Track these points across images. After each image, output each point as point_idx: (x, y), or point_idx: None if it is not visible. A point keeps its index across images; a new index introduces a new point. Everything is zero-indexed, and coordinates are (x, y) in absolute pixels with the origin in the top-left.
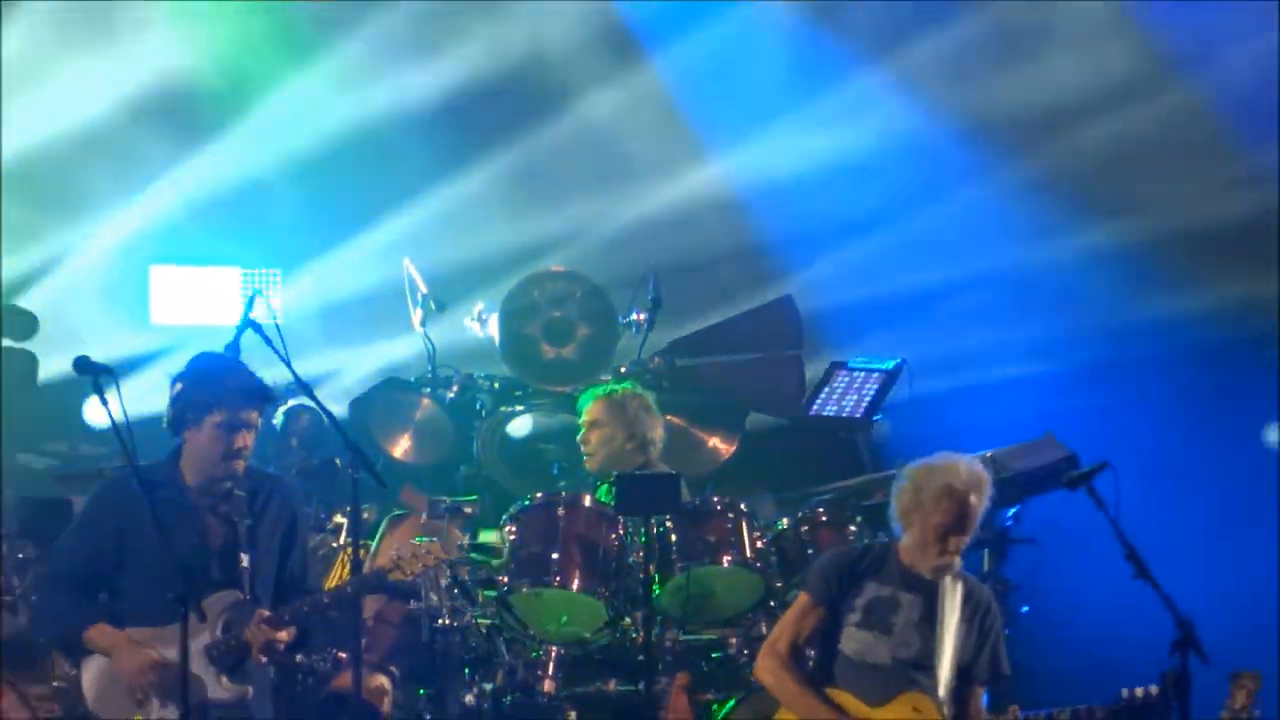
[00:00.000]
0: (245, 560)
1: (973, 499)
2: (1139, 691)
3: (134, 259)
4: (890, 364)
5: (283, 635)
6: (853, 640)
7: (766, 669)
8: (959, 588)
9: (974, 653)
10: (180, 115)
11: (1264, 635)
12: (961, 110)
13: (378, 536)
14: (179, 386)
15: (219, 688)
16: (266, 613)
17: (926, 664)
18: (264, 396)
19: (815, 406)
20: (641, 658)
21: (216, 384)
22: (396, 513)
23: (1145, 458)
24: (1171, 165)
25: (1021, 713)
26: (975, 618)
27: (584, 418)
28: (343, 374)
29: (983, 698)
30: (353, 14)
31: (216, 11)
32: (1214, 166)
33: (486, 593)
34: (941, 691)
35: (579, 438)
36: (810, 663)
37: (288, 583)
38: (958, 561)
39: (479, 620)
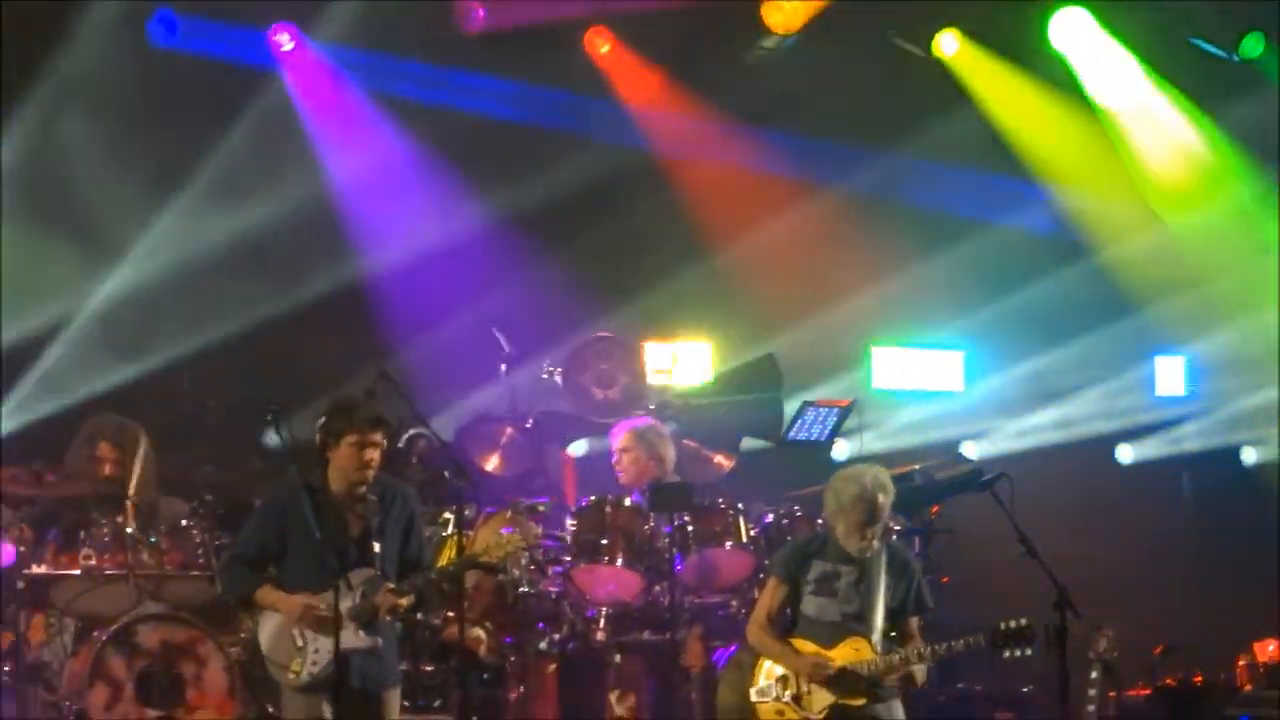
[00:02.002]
0: (376, 546)
1: (880, 498)
2: (1012, 623)
3: (293, 329)
4: (845, 403)
5: (403, 601)
6: (811, 605)
7: (751, 632)
8: (883, 553)
9: (902, 597)
10: (330, 226)
11: (1119, 599)
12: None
13: (475, 528)
14: (323, 419)
15: (356, 638)
16: (391, 585)
17: (864, 616)
18: (384, 422)
19: (791, 433)
20: (667, 615)
21: (349, 415)
22: (489, 510)
23: (1030, 466)
24: None
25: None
26: (898, 572)
27: (617, 445)
28: (450, 411)
29: (915, 624)
30: (456, 149)
31: (356, 149)
32: None
33: (555, 568)
34: (875, 635)
35: (614, 461)
36: (788, 623)
37: (408, 562)
38: (875, 543)
39: (549, 588)
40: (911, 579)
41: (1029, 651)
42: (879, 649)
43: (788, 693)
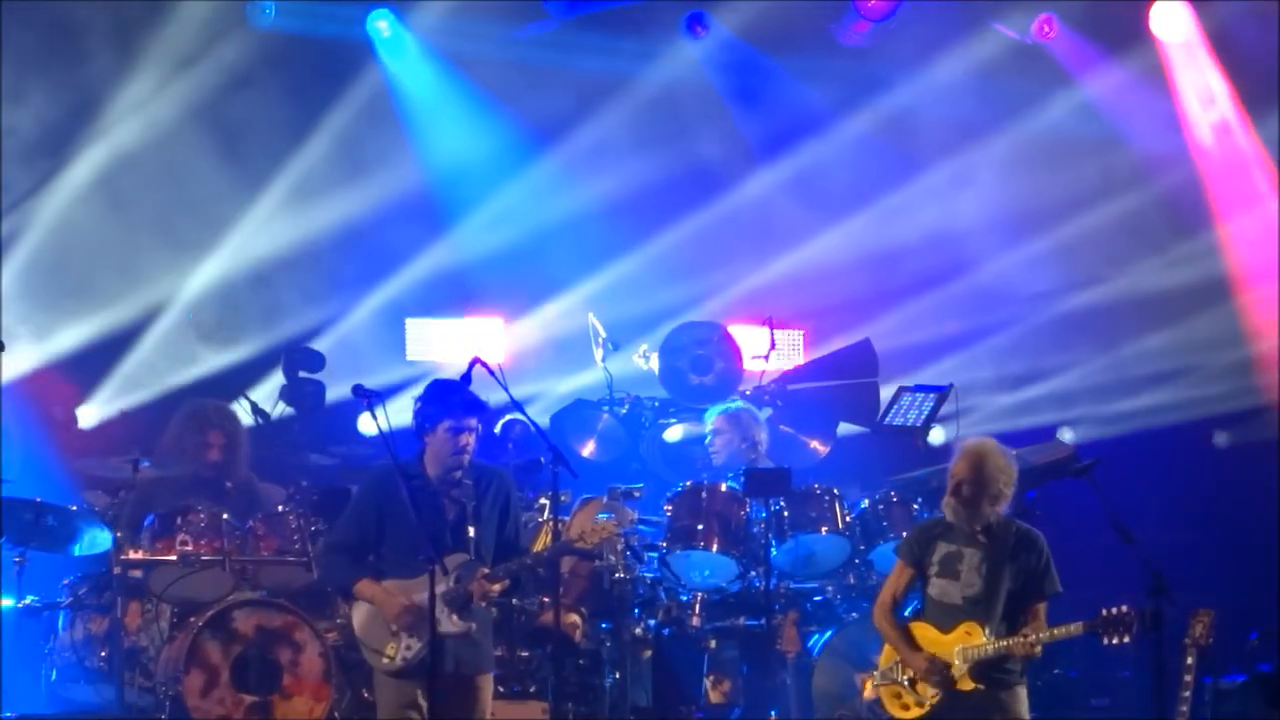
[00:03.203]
0: (472, 531)
1: (980, 458)
2: (1114, 610)
3: (393, 313)
4: (941, 388)
5: (497, 587)
6: (935, 587)
7: (875, 614)
8: (1011, 537)
9: (1025, 579)
10: (425, 210)
11: (1215, 585)
12: (999, 202)
13: (571, 513)
14: (419, 404)
15: (450, 624)
16: (486, 570)
17: (984, 599)
18: (480, 408)
19: (887, 419)
20: (763, 600)
21: (445, 400)
22: (585, 496)
23: (1126, 452)
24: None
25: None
26: (1022, 556)
27: (709, 427)
28: (545, 396)
29: (1042, 609)
30: (554, 133)
31: (453, 134)
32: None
33: (650, 553)
34: (992, 620)
35: (706, 442)
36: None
37: (504, 547)
38: (962, 510)
39: (645, 574)
40: (1039, 562)
41: (1128, 639)
42: (990, 634)
43: (904, 677)
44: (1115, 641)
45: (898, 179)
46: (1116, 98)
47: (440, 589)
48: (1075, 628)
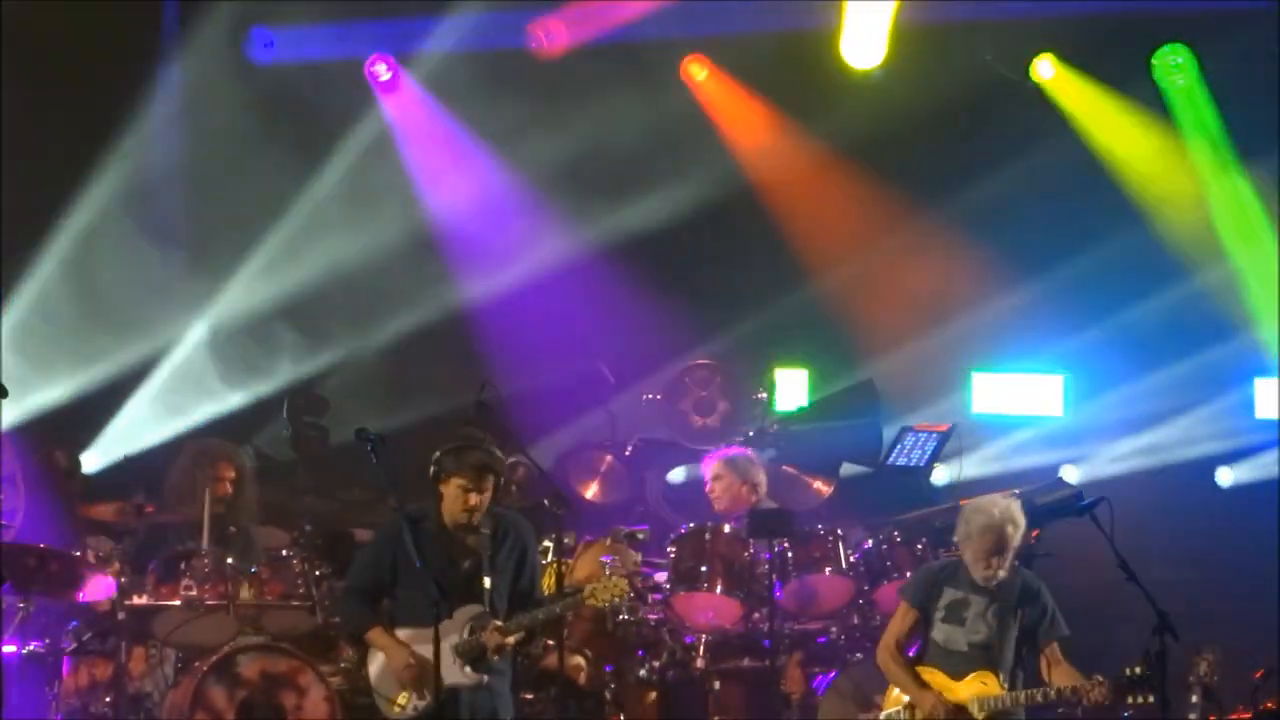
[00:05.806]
0: (487, 582)
1: (1008, 530)
2: (1136, 670)
3: (398, 357)
4: (945, 428)
5: (510, 640)
6: (940, 632)
7: (880, 657)
8: (1017, 584)
9: (1035, 622)
10: (421, 258)
11: (1219, 623)
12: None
13: (575, 555)
14: (438, 453)
15: (461, 675)
16: (499, 623)
17: (991, 646)
18: (492, 470)
19: (890, 458)
20: (767, 642)
21: (460, 457)
22: (588, 538)
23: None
24: None
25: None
26: (1029, 600)
27: (709, 473)
28: (549, 439)
29: (1058, 650)
30: (554, 175)
31: (453, 177)
32: None
33: (654, 595)
34: (1004, 668)
35: (706, 489)
36: (916, 649)
37: (520, 595)
38: (1001, 573)
39: (649, 615)
40: (1044, 606)
41: (1152, 699)
42: (1006, 684)
43: (909, 718)
44: (1140, 701)
45: (901, 217)
46: (1116, 135)
47: (453, 640)
48: (1098, 693)
